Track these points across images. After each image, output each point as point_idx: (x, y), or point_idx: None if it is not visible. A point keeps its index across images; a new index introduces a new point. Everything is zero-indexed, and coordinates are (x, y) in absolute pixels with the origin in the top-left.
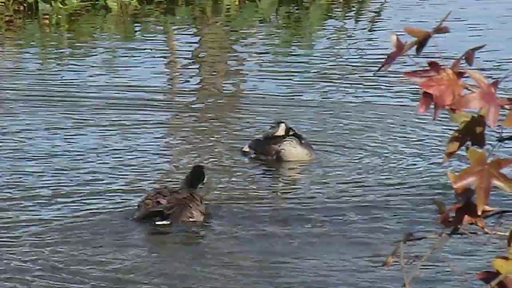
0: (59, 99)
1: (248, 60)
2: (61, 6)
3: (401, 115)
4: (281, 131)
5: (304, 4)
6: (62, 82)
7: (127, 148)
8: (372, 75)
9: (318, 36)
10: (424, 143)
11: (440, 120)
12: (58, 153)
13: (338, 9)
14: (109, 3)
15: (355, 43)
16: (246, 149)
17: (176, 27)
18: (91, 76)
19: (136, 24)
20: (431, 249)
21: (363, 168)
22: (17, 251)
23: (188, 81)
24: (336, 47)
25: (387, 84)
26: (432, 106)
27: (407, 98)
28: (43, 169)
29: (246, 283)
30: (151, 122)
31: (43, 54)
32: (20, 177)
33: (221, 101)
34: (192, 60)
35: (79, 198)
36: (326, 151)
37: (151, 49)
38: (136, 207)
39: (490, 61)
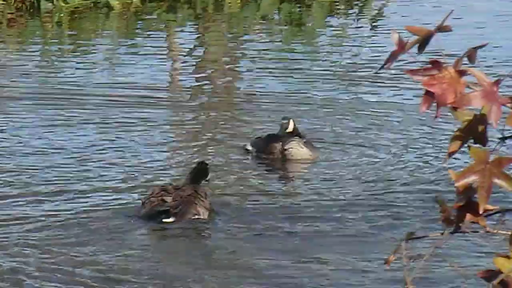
0: (61, 97)
1: (250, 58)
2: (63, 4)
3: (404, 113)
4: (290, 127)
5: (306, 2)
6: (63, 80)
7: (128, 145)
8: (374, 73)
9: (320, 34)
10: (428, 141)
11: (444, 118)
12: (59, 150)
13: (340, 7)
14: (111, 1)
15: (357, 41)
16: (249, 147)
17: (178, 25)
18: (93, 74)
19: (138, 22)
20: (433, 248)
21: (365, 166)
22: (11, 249)
23: (190, 79)
24: (338, 45)
25: (390, 82)
26: (434, 105)
27: (410, 95)
28: (43, 166)
29: (247, 282)
30: (153, 119)
31: (45, 52)
32: (19, 174)
33: (223, 99)
34: (194, 58)
35: (80, 196)
36: (329, 149)
37: (153, 47)
38: (140, 204)
39: (493, 59)
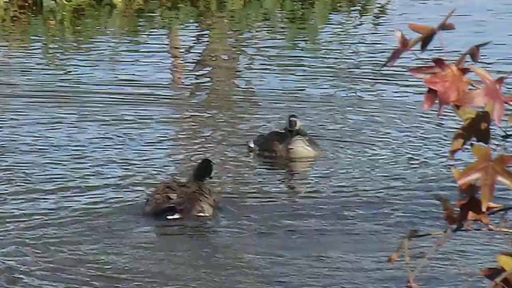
0: (63, 94)
1: (252, 56)
2: (65, 2)
3: (407, 110)
4: (298, 127)
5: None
6: (66, 77)
7: (130, 143)
8: (376, 70)
9: (323, 32)
10: (431, 138)
11: (447, 115)
12: (62, 147)
13: (342, 4)
14: None
15: (360, 38)
16: (252, 145)
17: (181, 23)
18: (95, 71)
19: (140, 20)
20: (436, 246)
21: (369, 163)
22: (9, 247)
23: (193, 77)
24: (341, 43)
25: (392, 79)
26: (436, 102)
27: (413, 92)
28: (44, 163)
29: (248, 281)
30: (155, 117)
31: (47, 50)
32: (20, 171)
33: (225, 97)
34: (197, 56)
35: (80, 193)
36: (332, 146)
37: (155, 44)
38: (145, 201)
39: (496, 56)
